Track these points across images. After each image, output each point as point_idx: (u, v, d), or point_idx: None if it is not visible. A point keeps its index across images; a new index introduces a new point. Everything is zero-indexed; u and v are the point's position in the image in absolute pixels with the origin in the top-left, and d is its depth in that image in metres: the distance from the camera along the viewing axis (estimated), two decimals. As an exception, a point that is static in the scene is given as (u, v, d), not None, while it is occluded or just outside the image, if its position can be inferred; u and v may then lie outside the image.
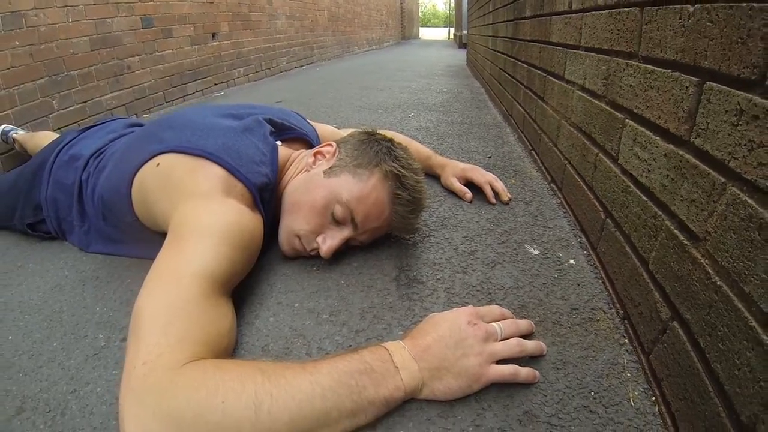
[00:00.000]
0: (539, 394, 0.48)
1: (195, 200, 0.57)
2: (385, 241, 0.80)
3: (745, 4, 0.36)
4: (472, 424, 0.44)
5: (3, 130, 1.50)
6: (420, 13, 22.97)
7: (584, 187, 0.82)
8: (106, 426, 0.45)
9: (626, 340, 0.56)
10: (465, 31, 12.07)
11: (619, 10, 0.68)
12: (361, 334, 0.58)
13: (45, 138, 1.34)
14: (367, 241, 0.74)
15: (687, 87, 0.46)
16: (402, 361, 0.45)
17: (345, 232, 0.68)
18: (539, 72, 1.26)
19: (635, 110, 0.60)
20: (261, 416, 0.38)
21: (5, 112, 1.55)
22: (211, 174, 0.61)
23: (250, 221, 0.60)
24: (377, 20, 8.60)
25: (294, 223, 0.70)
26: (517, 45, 1.65)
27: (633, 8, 0.62)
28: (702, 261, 0.41)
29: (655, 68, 0.54)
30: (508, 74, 1.83)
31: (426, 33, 21.83)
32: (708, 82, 0.43)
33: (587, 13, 0.84)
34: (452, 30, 22.84)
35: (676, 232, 0.47)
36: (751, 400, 0.33)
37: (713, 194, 0.40)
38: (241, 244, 0.56)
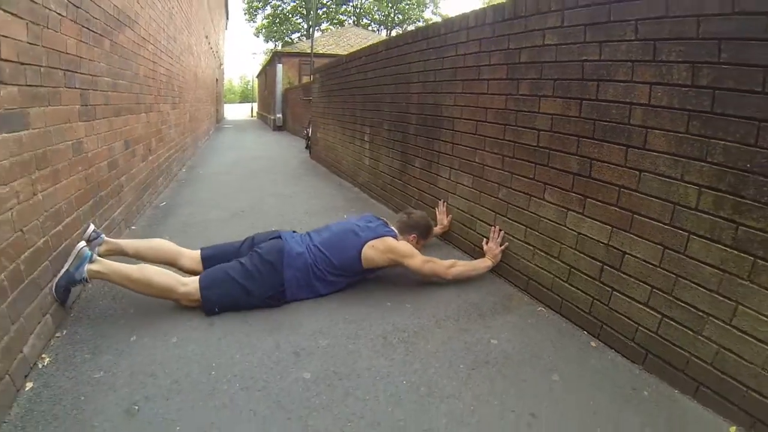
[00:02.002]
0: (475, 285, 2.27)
1: (401, 248, 2.12)
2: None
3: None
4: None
5: (93, 230, 2.09)
6: (217, 90, 24.65)
7: (468, 230, 2.72)
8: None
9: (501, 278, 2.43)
10: (279, 115, 14.54)
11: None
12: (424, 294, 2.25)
13: (162, 244, 2.19)
14: None
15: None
16: (487, 258, 2.31)
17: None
18: (431, 197, 3.19)
19: (479, 217, 2.54)
20: (465, 270, 2.21)
21: (77, 232, 2.05)
22: (391, 238, 2.15)
23: None
24: (207, 112, 9.85)
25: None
26: (406, 176, 3.60)
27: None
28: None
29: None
30: (398, 189, 3.75)
31: (229, 111, 23.50)
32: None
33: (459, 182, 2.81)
34: (254, 107, 25.65)
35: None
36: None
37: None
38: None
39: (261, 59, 35.56)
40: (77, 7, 2.12)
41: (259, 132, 14.18)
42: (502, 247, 2.34)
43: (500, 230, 2.37)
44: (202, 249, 2.19)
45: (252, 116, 23.32)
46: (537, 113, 2.06)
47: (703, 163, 1.38)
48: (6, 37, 1.44)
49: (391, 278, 2.33)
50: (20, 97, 1.54)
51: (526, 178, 2.17)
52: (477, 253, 2.58)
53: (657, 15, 1.47)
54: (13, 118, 1.49)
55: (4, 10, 1.44)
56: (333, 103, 5.76)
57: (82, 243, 1.80)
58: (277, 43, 31.12)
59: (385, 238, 2.15)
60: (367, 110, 4.39)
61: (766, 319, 1.23)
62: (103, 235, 2.13)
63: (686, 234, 1.43)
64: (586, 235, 1.83)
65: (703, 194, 1.38)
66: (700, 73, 1.37)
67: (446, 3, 32.42)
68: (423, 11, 32.40)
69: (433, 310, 2.00)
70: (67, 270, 1.74)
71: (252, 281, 1.94)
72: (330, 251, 2.10)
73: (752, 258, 1.26)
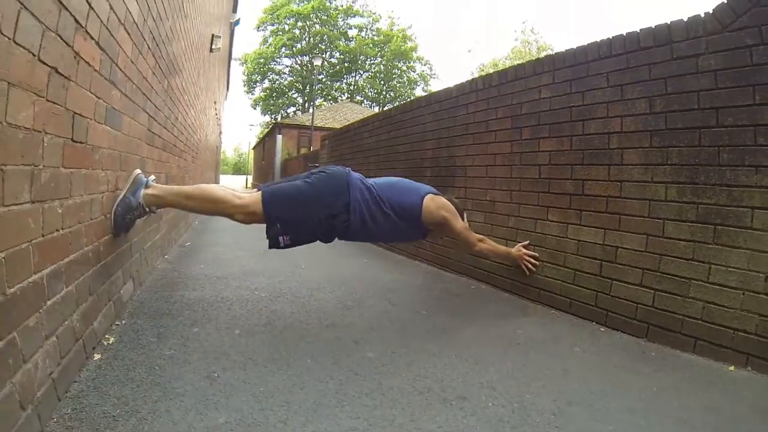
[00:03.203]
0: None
1: (452, 208, 2.32)
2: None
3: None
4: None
5: (147, 180, 1.97)
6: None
7: (481, 260, 3.15)
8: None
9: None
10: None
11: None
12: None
13: (209, 188, 2.04)
14: None
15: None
16: (512, 249, 2.68)
17: None
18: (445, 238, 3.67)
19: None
20: (489, 249, 2.58)
21: (137, 237, 2.33)
22: (445, 198, 2.41)
23: None
24: (210, 176, 10.50)
25: None
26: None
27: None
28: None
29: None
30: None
31: (223, 181, 24.41)
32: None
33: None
34: (249, 179, 26.80)
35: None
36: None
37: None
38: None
39: (257, 131, 37.77)
40: (157, 44, 2.52)
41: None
42: (530, 258, 2.62)
43: (536, 255, 2.63)
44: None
45: (246, 187, 24.36)
46: (537, 152, 2.64)
47: (665, 166, 1.94)
48: (122, 49, 1.79)
49: (421, 296, 2.75)
50: (120, 103, 1.83)
51: (531, 206, 2.69)
52: (491, 279, 3.01)
53: (621, 67, 2.13)
54: (115, 116, 1.76)
55: (125, 29, 1.84)
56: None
57: (138, 170, 1.89)
58: (274, 116, 33.24)
59: (441, 196, 2.38)
60: (381, 169, 4.99)
61: (733, 269, 1.72)
62: (152, 178, 2.09)
63: (662, 221, 1.95)
64: (585, 241, 2.32)
65: (669, 188, 1.93)
66: (654, 103, 1.99)
67: (434, 81, 35.26)
68: (414, 89, 35.32)
69: (463, 315, 2.38)
70: (124, 196, 1.81)
71: (316, 198, 1.99)
72: (393, 191, 2.22)
73: (713, 226, 1.79)
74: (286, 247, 2.08)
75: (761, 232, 1.65)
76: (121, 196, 1.82)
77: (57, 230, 1.26)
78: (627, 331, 2.10)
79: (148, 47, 2.31)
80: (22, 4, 0.96)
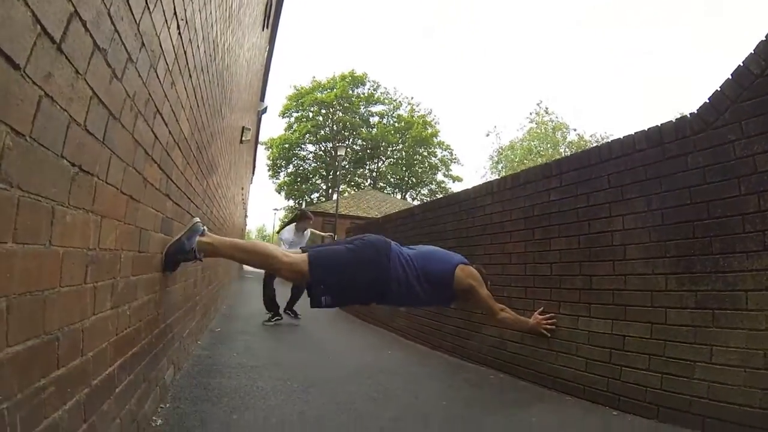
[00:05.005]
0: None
1: (479, 277, 2.57)
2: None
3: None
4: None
5: (204, 229, 2.11)
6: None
7: (500, 351, 3.28)
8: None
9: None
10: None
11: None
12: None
13: (262, 245, 2.42)
14: None
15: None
16: (531, 320, 2.92)
17: None
18: (466, 331, 3.84)
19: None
20: (509, 319, 2.84)
21: (178, 328, 2.53)
22: (473, 267, 2.62)
23: None
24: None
25: None
26: (443, 317, 4.28)
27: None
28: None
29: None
30: (434, 329, 4.37)
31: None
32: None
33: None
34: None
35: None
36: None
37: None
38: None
39: (281, 215, 38.58)
40: (200, 151, 2.81)
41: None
42: (547, 322, 2.82)
43: (552, 316, 2.84)
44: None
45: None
46: (549, 251, 2.91)
47: (664, 258, 2.18)
48: (175, 164, 2.00)
49: (442, 388, 2.94)
50: (172, 211, 2.04)
51: (544, 300, 2.90)
52: (509, 368, 3.14)
53: (620, 169, 2.45)
54: (167, 224, 1.97)
55: (179, 147, 2.04)
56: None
57: (197, 219, 2.05)
58: (298, 200, 33.87)
59: (470, 266, 2.62)
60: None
61: (733, 349, 1.88)
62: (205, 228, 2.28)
63: (664, 309, 2.15)
64: (594, 331, 2.51)
65: (669, 279, 2.15)
66: (651, 201, 2.27)
67: (455, 166, 36.06)
68: (435, 174, 36.10)
69: (482, 405, 2.57)
70: (179, 238, 1.95)
71: (359, 265, 2.19)
72: (426, 261, 2.44)
73: (711, 310, 1.98)
74: (327, 306, 2.22)
75: (757, 312, 1.82)
76: (176, 238, 1.96)
77: (126, 329, 1.47)
78: (638, 413, 2.21)
79: (194, 156, 2.57)
80: (112, 151, 1.21)
